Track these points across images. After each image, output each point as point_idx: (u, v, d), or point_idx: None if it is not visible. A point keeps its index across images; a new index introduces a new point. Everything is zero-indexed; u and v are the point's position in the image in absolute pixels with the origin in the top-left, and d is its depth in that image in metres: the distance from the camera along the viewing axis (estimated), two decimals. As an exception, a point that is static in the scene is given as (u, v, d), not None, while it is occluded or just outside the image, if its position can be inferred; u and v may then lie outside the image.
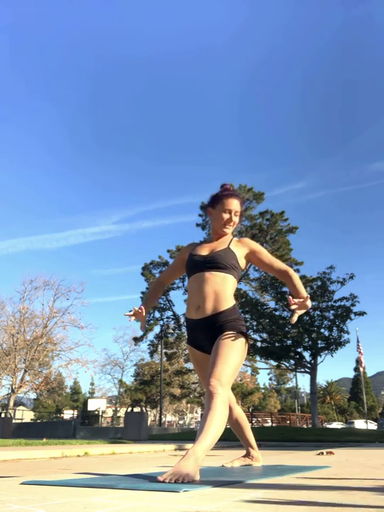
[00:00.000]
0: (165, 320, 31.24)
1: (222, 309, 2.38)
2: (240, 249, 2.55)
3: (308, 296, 2.40)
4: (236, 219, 2.57)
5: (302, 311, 2.37)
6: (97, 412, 32.24)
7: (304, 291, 2.47)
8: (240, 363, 2.36)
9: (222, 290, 2.40)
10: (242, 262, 2.56)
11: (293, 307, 2.34)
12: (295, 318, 2.38)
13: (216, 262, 2.45)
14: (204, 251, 2.56)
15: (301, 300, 2.36)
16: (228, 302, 2.41)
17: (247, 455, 2.92)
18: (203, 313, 2.39)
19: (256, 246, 2.60)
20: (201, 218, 30.67)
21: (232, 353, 2.29)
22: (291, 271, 2.57)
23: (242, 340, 2.38)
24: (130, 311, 2.58)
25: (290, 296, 2.36)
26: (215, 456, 4.22)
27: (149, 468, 3.09)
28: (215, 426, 2.03)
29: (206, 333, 2.40)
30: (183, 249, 2.72)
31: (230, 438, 5.74)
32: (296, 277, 2.53)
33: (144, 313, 2.58)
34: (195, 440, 2.01)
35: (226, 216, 2.55)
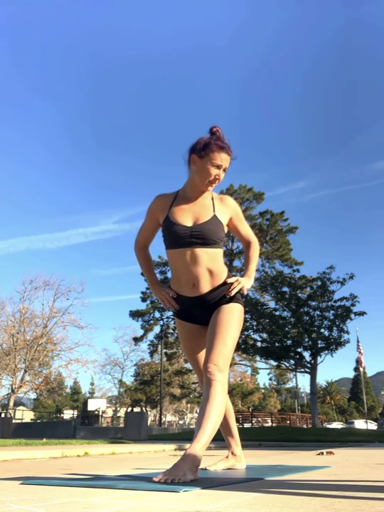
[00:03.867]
0: (165, 320, 31.26)
1: (219, 284, 2.28)
2: (224, 215, 2.35)
3: (244, 279, 2.35)
4: (223, 175, 2.31)
5: (235, 290, 2.29)
6: (97, 412, 32.21)
7: (249, 270, 2.46)
8: (238, 334, 2.30)
9: (215, 266, 2.27)
10: (226, 229, 2.38)
11: (229, 280, 2.30)
12: (232, 292, 2.30)
13: (206, 238, 2.24)
14: (186, 218, 2.28)
15: (234, 279, 2.31)
16: (223, 276, 2.31)
17: (230, 454, 2.65)
18: (199, 291, 2.27)
19: (238, 210, 2.44)
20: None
21: (231, 329, 2.22)
22: (253, 245, 2.52)
23: (239, 309, 2.33)
24: (167, 301, 2.37)
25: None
26: (215, 456, 4.21)
27: (149, 468, 3.09)
28: (213, 419, 1.98)
29: (202, 308, 2.31)
30: (155, 206, 2.40)
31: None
32: (253, 252, 2.51)
33: (168, 292, 2.38)
34: (193, 435, 2.00)
35: (215, 172, 2.26)
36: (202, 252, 2.23)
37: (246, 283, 2.35)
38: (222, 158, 2.26)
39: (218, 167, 2.26)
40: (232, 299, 2.31)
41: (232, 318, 2.25)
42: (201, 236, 2.22)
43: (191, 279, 2.26)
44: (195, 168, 2.28)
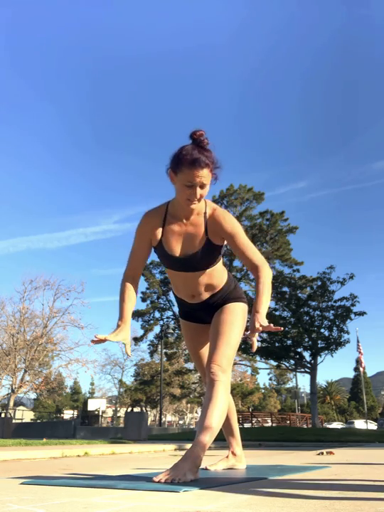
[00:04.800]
0: (165, 320, 31.25)
1: (219, 289, 2.26)
2: (217, 234, 2.11)
3: (263, 317, 1.96)
4: (204, 191, 2.01)
5: (256, 335, 1.97)
6: (97, 412, 32.20)
7: (262, 305, 2.00)
8: (242, 333, 2.26)
9: (214, 279, 2.21)
10: (223, 243, 2.19)
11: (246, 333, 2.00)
12: (254, 347, 2.10)
13: (198, 267, 2.14)
14: (178, 244, 2.12)
15: (253, 321, 1.94)
16: (222, 280, 2.27)
17: (231, 453, 2.62)
18: (199, 299, 2.27)
19: (236, 228, 2.10)
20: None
21: (234, 329, 2.20)
22: (263, 269, 2.08)
23: (242, 308, 2.31)
24: (110, 334, 2.03)
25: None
26: (215, 456, 4.21)
27: (149, 468, 3.09)
28: (215, 419, 1.97)
29: (205, 310, 2.32)
30: (145, 228, 2.16)
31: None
32: (264, 280, 2.06)
33: (127, 331, 2.08)
34: (195, 435, 2.00)
35: (188, 192, 2.00)
36: (197, 274, 2.18)
37: (261, 322, 1.95)
38: (197, 175, 1.95)
39: (192, 186, 1.98)
40: (235, 299, 2.31)
41: (235, 319, 2.25)
42: (194, 265, 2.14)
43: (190, 292, 2.26)
44: (174, 185, 2.07)
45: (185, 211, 2.10)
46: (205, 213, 2.13)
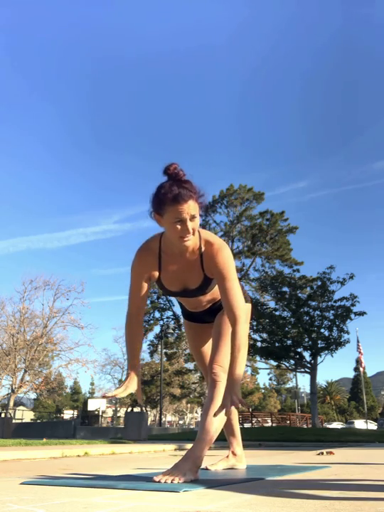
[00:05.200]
0: (165, 320, 31.28)
1: (220, 298, 2.24)
2: (211, 268, 2.04)
3: (238, 387, 1.87)
4: (195, 223, 1.93)
5: (229, 407, 1.83)
6: (97, 412, 32.21)
7: (236, 370, 1.90)
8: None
9: (214, 293, 2.21)
10: None
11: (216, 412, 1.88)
12: (219, 412, 1.86)
13: (199, 294, 2.18)
14: (176, 282, 2.11)
15: (226, 395, 1.85)
16: None
17: (231, 453, 2.61)
18: (201, 309, 2.35)
19: (224, 269, 2.00)
20: (201, 218, 30.55)
21: None
22: (239, 324, 1.96)
23: (246, 308, 2.31)
24: (118, 388, 2.00)
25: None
26: (216, 456, 4.21)
27: (149, 468, 3.09)
28: (216, 420, 1.97)
29: (208, 313, 2.36)
30: (141, 268, 2.09)
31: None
32: (240, 341, 1.94)
33: (137, 380, 2.04)
34: (197, 434, 2.00)
35: (179, 228, 1.90)
36: (198, 296, 2.24)
37: (235, 396, 1.84)
38: (183, 210, 1.87)
39: (181, 221, 1.89)
40: None
41: None
42: (194, 294, 2.18)
43: (192, 307, 2.36)
44: (162, 225, 1.99)
45: (179, 248, 2.02)
46: (199, 248, 2.05)
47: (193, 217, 1.91)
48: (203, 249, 2.05)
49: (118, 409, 49.15)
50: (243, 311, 2.01)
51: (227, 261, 2.03)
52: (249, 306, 2.39)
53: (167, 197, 1.88)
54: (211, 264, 2.03)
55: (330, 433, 13.33)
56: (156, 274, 2.11)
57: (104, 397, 2.05)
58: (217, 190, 29.71)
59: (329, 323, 20.33)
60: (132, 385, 2.02)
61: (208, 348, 2.43)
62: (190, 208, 1.89)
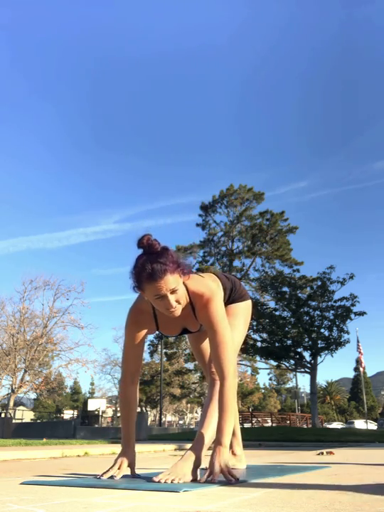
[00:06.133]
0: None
1: None
2: (202, 318, 2.02)
3: (226, 454, 1.81)
4: (179, 294, 1.86)
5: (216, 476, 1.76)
6: (97, 412, 32.18)
7: (224, 435, 1.84)
8: (245, 332, 2.34)
9: None
10: None
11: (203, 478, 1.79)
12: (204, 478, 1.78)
13: (197, 332, 2.25)
14: (173, 330, 2.15)
15: (213, 461, 1.79)
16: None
17: (231, 453, 2.55)
18: None
19: (215, 323, 1.96)
20: (201, 218, 30.67)
21: (235, 330, 2.24)
22: (228, 381, 1.90)
23: (244, 307, 2.36)
24: (112, 467, 2.06)
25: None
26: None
27: (149, 468, 3.08)
28: (216, 419, 1.95)
29: None
30: (136, 326, 2.06)
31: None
32: (227, 399, 1.87)
33: (130, 463, 2.08)
34: (196, 434, 2.00)
35: (161, 304, 1.86)
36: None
37: (224, 463, 1.79)
38: (161, 287, 1.80)
39: (162, 297, 1.83)
40: (237, 299, 2.37)
41: (237, 321, 2.30)
42: (195, 333, 2.25)
43: None
44: (147, 298, 1.93)
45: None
46: (190, 303, 2.01)
47: (174, 290, 1.83)
48: (193, 303, 2.01)
49: (118, 409, 49.16)
50: (233, 365, 1.94)
51: (218, 312, 1.97)
52: (248, 303, 2.43)
53: (142, 276, 1.82)
54: (202, 315, 2.01)
55: (330, 433, 13.33)
56: (154, 328, 2.12)
57: (99, 478, 2.06)
58: (217, 190, 29.81)
59: (329, 323, 20.33)
60: (124, 469, 2.06)
61: (208, 346, 2.43)
62: (169, 282, 1.80)
